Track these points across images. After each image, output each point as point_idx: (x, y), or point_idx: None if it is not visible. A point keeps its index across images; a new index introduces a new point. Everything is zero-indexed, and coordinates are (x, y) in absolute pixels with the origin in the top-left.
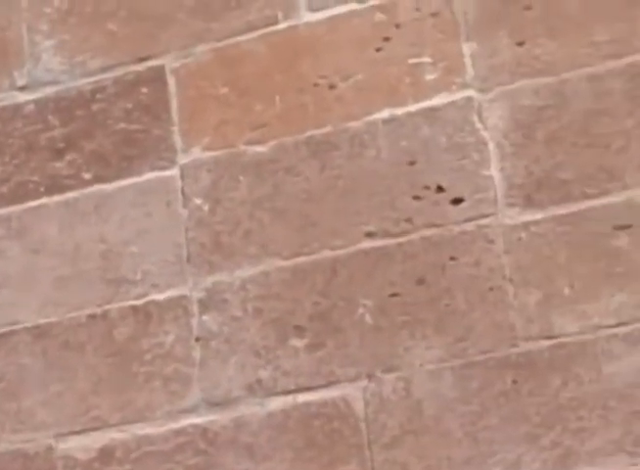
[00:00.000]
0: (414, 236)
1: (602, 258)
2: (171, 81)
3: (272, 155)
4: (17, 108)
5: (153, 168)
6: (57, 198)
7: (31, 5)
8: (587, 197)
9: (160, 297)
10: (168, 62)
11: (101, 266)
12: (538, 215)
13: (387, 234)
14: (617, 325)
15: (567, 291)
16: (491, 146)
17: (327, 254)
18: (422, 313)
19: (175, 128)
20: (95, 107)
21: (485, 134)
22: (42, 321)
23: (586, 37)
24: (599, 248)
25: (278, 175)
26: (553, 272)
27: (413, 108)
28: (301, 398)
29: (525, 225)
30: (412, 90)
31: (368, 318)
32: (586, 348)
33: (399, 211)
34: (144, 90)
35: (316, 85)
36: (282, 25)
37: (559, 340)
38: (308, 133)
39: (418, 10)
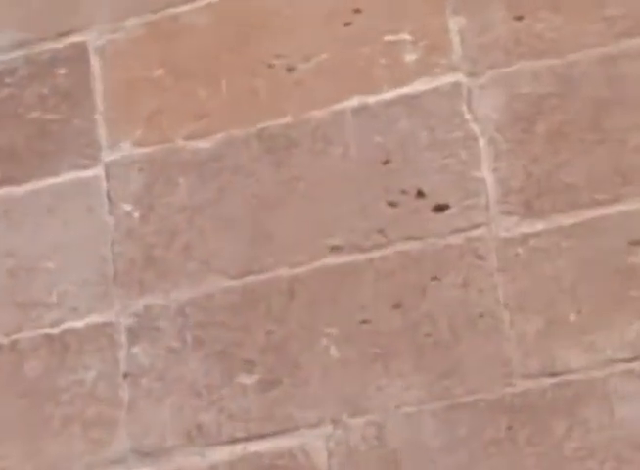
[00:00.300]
0: (389, 251)
1: (615, 279)
2: (95, 61)
3: (217, 151)
4: None
5: (72, 167)
6: None
7: None
8: (598, 204)
9: (79, 324)
10: (92, 38)
11: (8, 286)
12: (539, 226)
13: (356, 248)
14: (633, 360)
15: (573, 318)
16: (483, 142)
17: (283, 272)
18: (398, 345)
19: (100, 118)
20: (3, 92)
21: (476, 127)
22: None
23: (597, 10)
24: (612, 266)
25: (224, 176)
26: (557, 295)
27: (389, 95)
28: (252, 447)
29: (524, 238)
30: (387, 74)
31: (333, 350)
32: (596, 387)
33: (371, 220)
34: (62, 72)
35: (271, 67)
36: None
37: (563, 377)
38: (261, 125)
39: None
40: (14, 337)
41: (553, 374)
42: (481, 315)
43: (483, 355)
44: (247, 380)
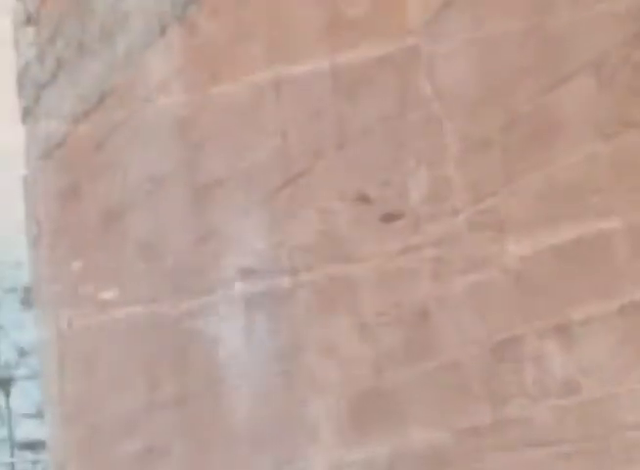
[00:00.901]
0: (318, 275)
1: (623, 316)
2: None
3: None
4: None
5: None
6: None
7: None
8: (602, 214)
9: None
10: None
11: None
12: (523, 244)
13: (273, 271)
14: None
15: (569, 366)
16: (448, 127)
17: (179, 304)
18: (328, 402)
19: None
20: None
21: (439, 108)
22: None
23: None
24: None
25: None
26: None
27: (323, 64)
28: None
29: (502, 258)
30: (321, 35)
31: (241, 409)
32: (598, 458)
33: (296, 233)
34: None
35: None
36: None
37: (552, 448)
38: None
39: None
40: None
41: (539, 444)
42: (445, 364)
43: (455, 412)
44: (128, 446)
